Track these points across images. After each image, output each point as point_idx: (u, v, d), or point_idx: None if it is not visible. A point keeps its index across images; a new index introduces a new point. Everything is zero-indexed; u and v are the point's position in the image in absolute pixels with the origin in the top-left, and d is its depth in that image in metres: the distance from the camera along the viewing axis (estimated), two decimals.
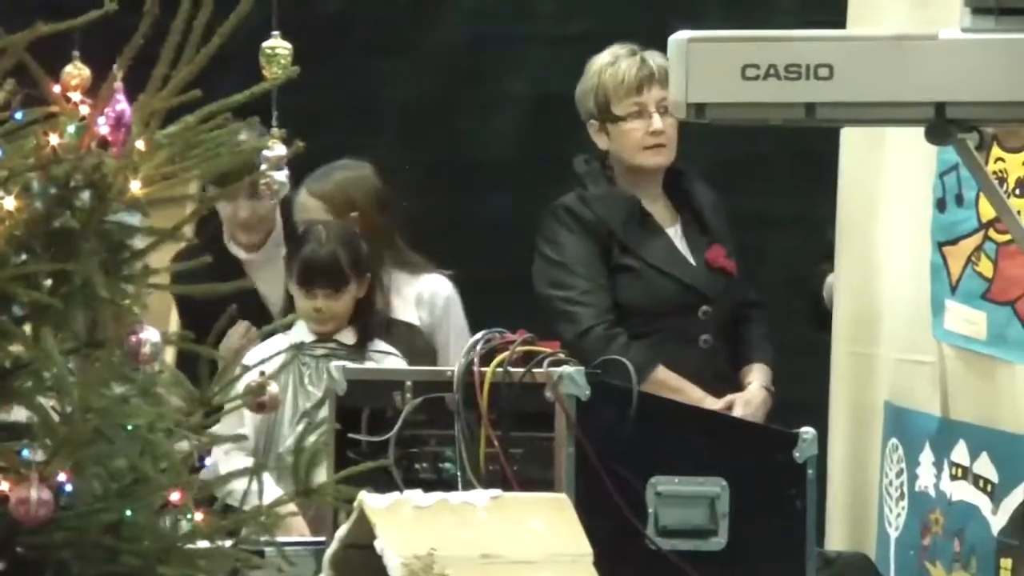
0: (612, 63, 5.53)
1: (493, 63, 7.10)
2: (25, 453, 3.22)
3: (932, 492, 4.21)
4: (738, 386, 5.42)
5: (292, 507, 3.79)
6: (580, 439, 4.16)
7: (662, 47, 3.93)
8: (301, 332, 5.72)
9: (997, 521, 4.02)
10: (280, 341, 4.84)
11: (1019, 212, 4.46)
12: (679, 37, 3.48)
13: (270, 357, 4.18)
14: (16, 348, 3.26)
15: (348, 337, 5.83)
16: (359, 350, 5.74)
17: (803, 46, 3.57)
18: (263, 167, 3.75)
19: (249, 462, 4.16)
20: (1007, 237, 4.54)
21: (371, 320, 5.97)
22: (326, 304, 5.70)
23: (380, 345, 5.86)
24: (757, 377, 5.42)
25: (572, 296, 5.40)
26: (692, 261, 5.52)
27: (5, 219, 3.27)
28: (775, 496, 4.37)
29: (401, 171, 6.48)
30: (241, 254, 6.37)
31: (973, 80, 3.51)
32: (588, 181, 5.55)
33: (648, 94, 5.46)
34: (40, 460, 3.22)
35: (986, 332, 4.67)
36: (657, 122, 5.44)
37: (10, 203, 3.27)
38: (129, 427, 3.32)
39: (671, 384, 5.11)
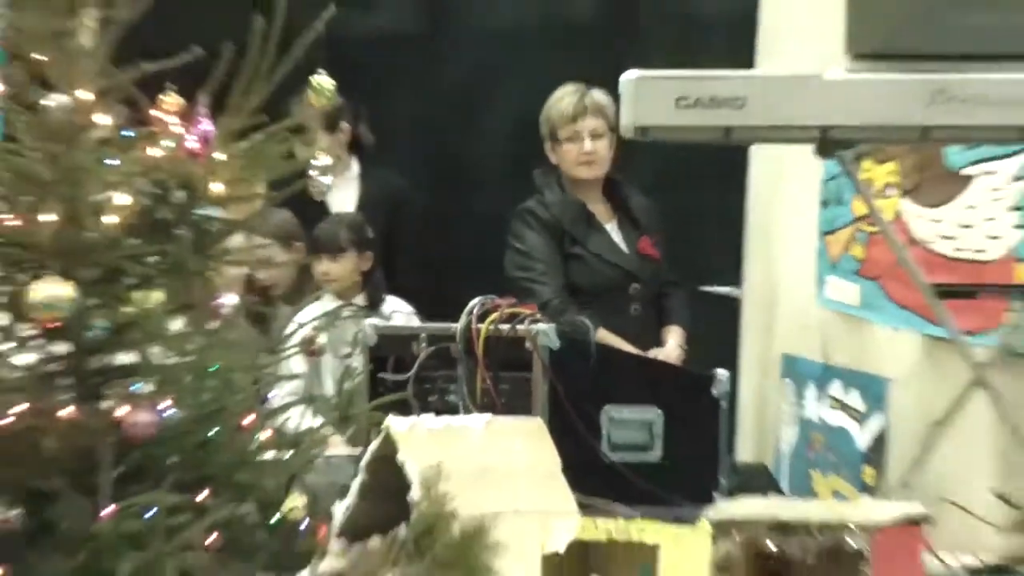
0: (560, 99, 5.47)
1: (486, 97, 7.03)
2: (137, 387, 3.24)
3: (815, 419, 4.22)
4: (660, 343, 5.38)
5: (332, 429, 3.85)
6: (552, 379, 4.17)
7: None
8: (328, 302, 5.63)
9: (862, 440, 4.05)
10: (315, 309, 4.85)
11: (882, 210, 4.49)
12: (629, 76, 3.48)
13: (315, 318, 4.21)
14: (128, 309, 3.28)
15: (362, 302, 5.82)
16: (372, 310, 5.70)
17: (721, 83, 3.55)
18: (312, 173, 3.75)
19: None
20: (874, 229, 4.53)
21: (378, 287, 5.94)
22: (328, 266, 5.73)
23: (395, 305, 5.86)
24: (673, 337, 5.29)
25: (533, 277, 5.35)
26: (626, 250, 5.45)
27: (120, 212, 3.30)
28: (698, 421, 4.32)
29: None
30: None
31: (851, 109, 3.49)
32: (545, 189, 5.49)
33: (582, 123, 5.39)
34: (148, 392, 3.26)
35: (859, 300, 4.66)
36: (587, 145, 5.39)
37: (124, 200, 3.30)
38: (214, 368, 3.42)
39: (609, 342, 5.09)
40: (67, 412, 3.17)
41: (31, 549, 3.12)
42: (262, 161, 3.57)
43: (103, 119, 3.40)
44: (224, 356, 3.50)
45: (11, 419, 3.14)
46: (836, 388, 4.36)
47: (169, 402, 3.24)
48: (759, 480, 4.27)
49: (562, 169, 5.47)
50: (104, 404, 3.23)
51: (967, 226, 4.44)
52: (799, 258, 4.99)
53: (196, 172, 3.44)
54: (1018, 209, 4.34)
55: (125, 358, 3.34)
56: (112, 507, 3.10)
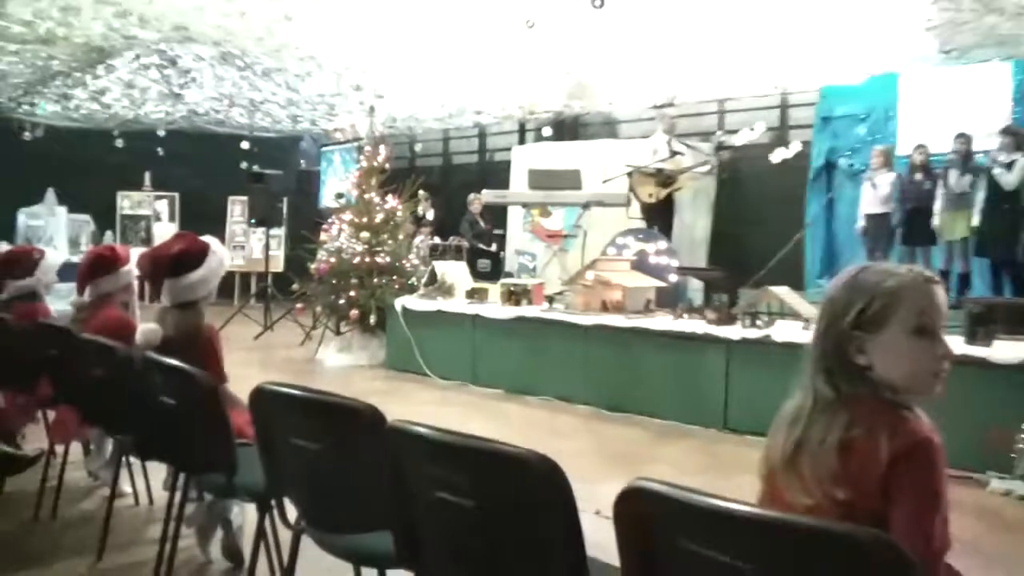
0: (471, 194, 4.84)
1: (458, 194, 5.64)
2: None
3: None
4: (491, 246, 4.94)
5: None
6: (469, 253, 4.35)
7: None
8: (427, 238, 4.88)
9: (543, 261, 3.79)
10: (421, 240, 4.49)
11: (537, 222, 4.68)
12: (485, 192, 3.69)
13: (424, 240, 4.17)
14: (382, 236, 3.47)
15: (432, 237, 4.98)
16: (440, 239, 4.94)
17: (502, 194, 3.61)
18: (420, 212, 3.90)
19: None
20: (535, 225, 4.65)
21: (439, 235, 5.04)
22: (423, 232, 4.75)
23: (439, 239, 5.01)
24: (495, 245, 4.86)
25: (464, 232, 4.80)
26: (484, 228, 4.94)
27: (381, 218, 3.76)
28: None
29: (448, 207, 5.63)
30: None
31: (527, 199, 3.38)
32: (468, 213, 4.94)
33: (476, 200, 4.80)
34: (388, 252, 3.44)
35: (531, 237, 4.72)
36: (477, 206, 4.87)
37: (381, 216, 3.66)
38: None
39: (482, 246, 4.69)
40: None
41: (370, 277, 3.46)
42: (410, 208, 3.89)
43: (378, 200, 3.79)
44: (403, 243, 3.78)
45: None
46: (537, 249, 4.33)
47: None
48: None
49: (471, 210, 5.09)
50: (378, 259, 3.60)
51: (545, 224, 4.22)
52: (519, 228, 4.91)
53: (395, 211, 3.84)
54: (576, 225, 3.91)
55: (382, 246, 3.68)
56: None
